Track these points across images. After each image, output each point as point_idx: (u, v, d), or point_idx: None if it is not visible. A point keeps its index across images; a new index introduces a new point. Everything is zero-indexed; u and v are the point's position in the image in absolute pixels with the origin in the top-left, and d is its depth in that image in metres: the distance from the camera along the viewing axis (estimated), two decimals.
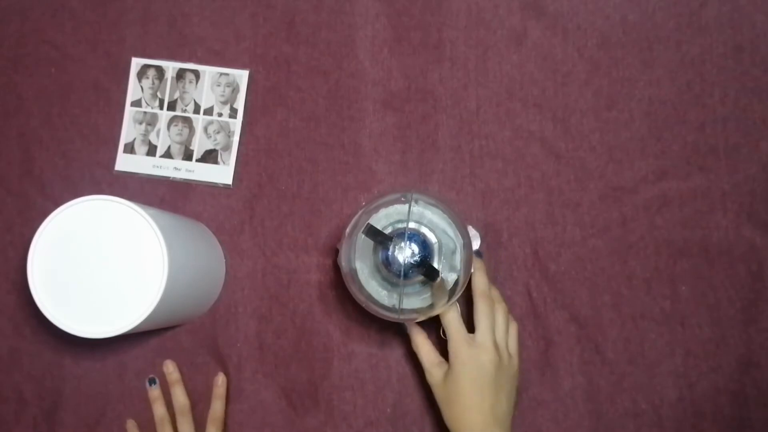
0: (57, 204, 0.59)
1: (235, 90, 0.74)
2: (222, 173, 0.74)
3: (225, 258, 0.73)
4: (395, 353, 0.71)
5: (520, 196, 0.72)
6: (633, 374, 0.69)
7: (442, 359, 0.65)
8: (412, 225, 0.60)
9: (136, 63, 0.75)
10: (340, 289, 0.72)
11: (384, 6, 0.74)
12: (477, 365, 0.61)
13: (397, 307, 0.60)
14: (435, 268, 0.60)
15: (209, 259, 0.70)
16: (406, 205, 0.61)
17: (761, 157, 0.70)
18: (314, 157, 0.74)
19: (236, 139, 0.74)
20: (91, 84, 0.76)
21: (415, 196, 0.61)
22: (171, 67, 0.75)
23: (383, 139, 0.73)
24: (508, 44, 0.73)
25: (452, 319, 0.63)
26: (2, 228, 0.75)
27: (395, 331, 0.71)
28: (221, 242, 0.73)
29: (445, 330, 0.63)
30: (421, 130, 0.73)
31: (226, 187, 0.74)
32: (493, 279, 0.71)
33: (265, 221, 0.73)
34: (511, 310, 0.70)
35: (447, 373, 0.63)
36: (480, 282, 0.64)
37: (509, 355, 0.64)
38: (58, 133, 0.75)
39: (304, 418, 0.71)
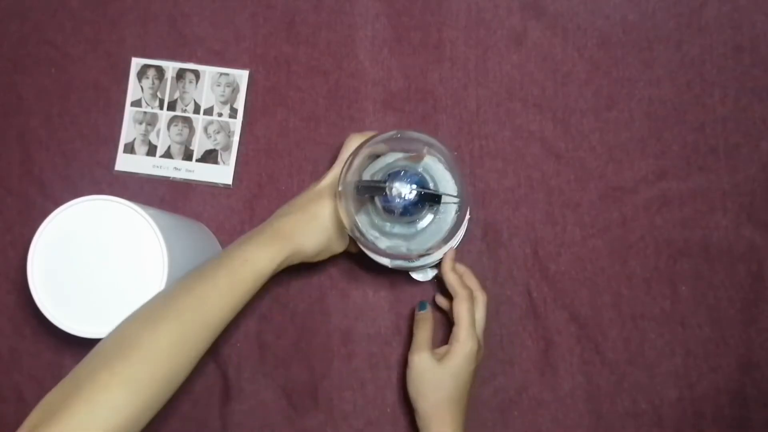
0: (57, 204, 0.59)
1: (235, 90, 0.74)
2: (222, 173, 0.74)
3: None
4: (395, 353, 0.71)
5: (520, 196, 0.72)
6: (633, 374, 0.69)
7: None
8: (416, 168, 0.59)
9: (136, 63, 0.75)
10: (340, 288, 0.72)
11: (384, 6, 0.74)
12: (475, 360, 0.63)
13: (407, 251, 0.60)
14: (435, 193, 0.58)
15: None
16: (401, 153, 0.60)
17: (761, 157, 0.70)
18: (314, 157, 0.74)
19: (236, 139, 0.74)
20: (91, 84, 0.76)
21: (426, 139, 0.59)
22: (171, 67, 0.75)
23: None
24: (508, 44, 0.73)
25: (467, 310, 0.63)
26: (2, 228, 0.75)
27: (395, 330, 0.72)
28: (221, 242, 0.73)
29: (458, 317, 0.63)
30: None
31: (226, 187, 0.74)
32: (493, 279, 0.71)
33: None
34: (511, 310, 0.71)
35: (445, 357, 0.62)
36: (453, 276, 0.64)
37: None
38: (58, 133, 0.75)
39: (304, 418, 0.71)
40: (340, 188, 0.58)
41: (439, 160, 0.60)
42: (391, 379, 0.71)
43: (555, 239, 0.71)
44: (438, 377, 0.62)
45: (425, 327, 0.66)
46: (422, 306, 0.69)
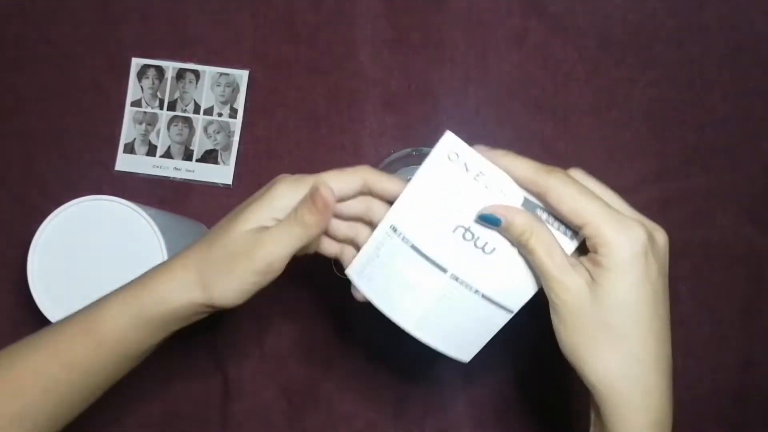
0: (57, 204, 0.59)
1: (235, 90, 0.74)
2: (222, 173, 0.74)
3: None
4: (395, 353, 0.71)
5: None
6: None
7: (578, 262, 0.42)
8: None
9: (136, 63, 0.75)
10: (340, 287, 0.72)
11: (384, 6, 0.74)
12: (646, 266, 0.40)
13: None
14: None
15: None
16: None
17: (761, 157, 0.70)
18: (314, 158, 0.74)
19: (236, 139, 0.74)
20: (91, 84, 0.76)
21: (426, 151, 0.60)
22: (171, 67, 0.75)
23: (383, 140, 0.73)
24: (508, 44, 0.73)
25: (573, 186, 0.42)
26: (2, 228, 0.75)
27: (395, 330, 0.71)
28: None
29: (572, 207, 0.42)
30: (421, 130, 0.73)
31: (226, 187, 0.74)
32: None
33: None
34: None
35: (596, 285, 0.41)
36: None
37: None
38: (58, 133, 0.75)
39: (304, 418, 0.71)
40: None
41: None
42: (391, 379, 0.71)
43: None
44: (602, 316, 0.40)
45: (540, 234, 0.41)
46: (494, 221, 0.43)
